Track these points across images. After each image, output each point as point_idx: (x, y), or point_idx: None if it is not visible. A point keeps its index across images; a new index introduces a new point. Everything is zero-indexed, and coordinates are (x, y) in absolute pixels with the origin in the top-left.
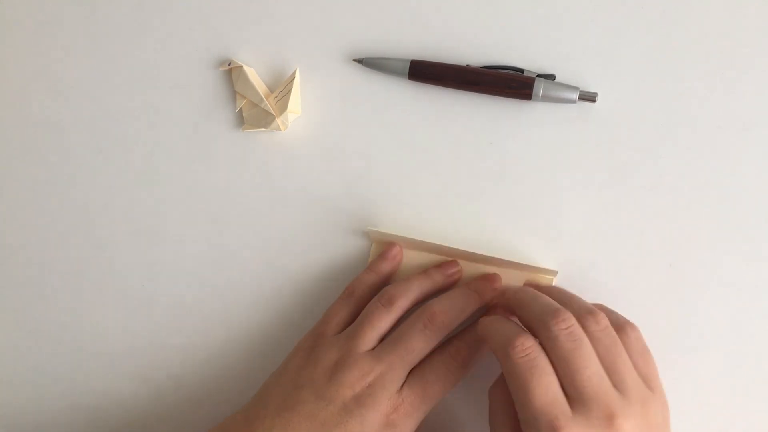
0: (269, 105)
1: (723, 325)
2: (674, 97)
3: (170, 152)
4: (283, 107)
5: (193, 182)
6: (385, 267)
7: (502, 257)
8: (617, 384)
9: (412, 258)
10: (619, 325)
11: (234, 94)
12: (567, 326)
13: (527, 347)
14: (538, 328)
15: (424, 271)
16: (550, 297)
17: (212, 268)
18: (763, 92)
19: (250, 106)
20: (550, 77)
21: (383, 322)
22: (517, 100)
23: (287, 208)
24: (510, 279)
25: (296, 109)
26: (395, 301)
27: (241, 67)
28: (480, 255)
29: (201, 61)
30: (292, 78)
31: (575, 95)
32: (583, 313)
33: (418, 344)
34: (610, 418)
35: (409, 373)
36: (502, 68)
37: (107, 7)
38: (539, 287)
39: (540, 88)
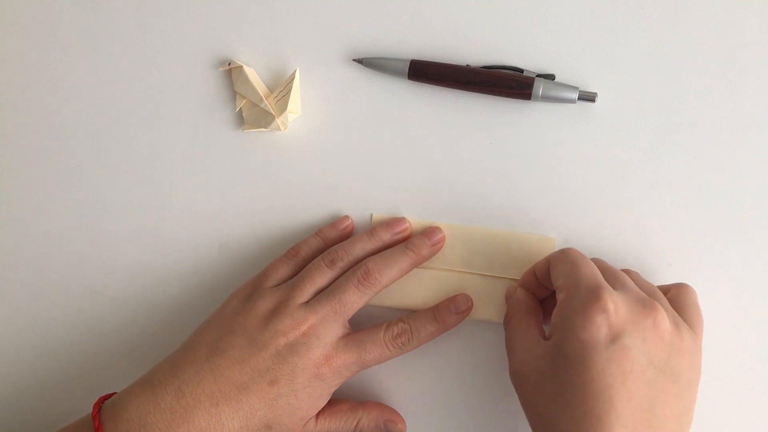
0: (269, 105)
1: (723, 324)
2: (674, 97)
3: (170, 152)
4: (282, 107)
5: (193, 182)
6: (332, 234)
7: (500, 228)
8: (619, 288)
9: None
10: (678, 282)
11: (234, 94)
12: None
13: (575, 250)
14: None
15: (371, 229)
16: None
17: (212, 268)
18: (763, 92)
19: (250, 106)
20: (550, 77)
21: (323, 278)
22: (517, 100)
23: (287, 208)
24: (511, 246)
25: (296, 109)
26: (337, 261)
27: (241, 67)
28: (479, 227)
29: (201, 61)
30: (292, 78)
31: (575, 95)
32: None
33: (351, 298)
34: (650, 304)
35: (350, 333)
36: (502, 68)
37: (107, 8)
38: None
39: (540, 88)
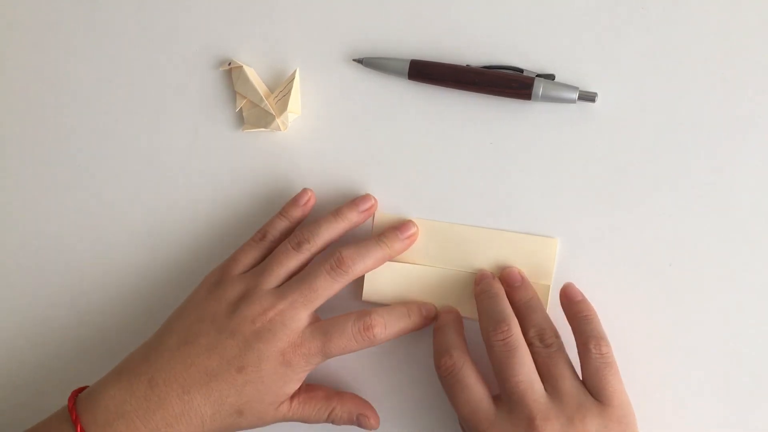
0: (269, 105)
1: (722, 324)
2: (674, 97)
3: (170, 152)
4: (283, 107)
5: (194, 182)
6: (296, 213)
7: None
8: (551, 391)
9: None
10: (585, 338)
11: (234, 94)
12: (504, 338)
13: (449, 365)
14: (483, 333)
15: (336, 210)
16: (521, 298)
17: (212, 268)
18: (763, 92)
19: (250, 106)
20: (550, 77)
21: (291, 261)
22: (517, 100)
23: None
24: (513, 247)
25: (296, 109)
26: (304, 243)
27: (241, 67)
28: (482, 228)
29: (201, 61)
30: (292, 78)
31: (575, 95)
32: (533, 327)
33: (322, 285)
34: (530, 419)
35: (318, 321)
36: (502, 68)
37: (108, 8)
38: (510, 281)
39: (540, 88)
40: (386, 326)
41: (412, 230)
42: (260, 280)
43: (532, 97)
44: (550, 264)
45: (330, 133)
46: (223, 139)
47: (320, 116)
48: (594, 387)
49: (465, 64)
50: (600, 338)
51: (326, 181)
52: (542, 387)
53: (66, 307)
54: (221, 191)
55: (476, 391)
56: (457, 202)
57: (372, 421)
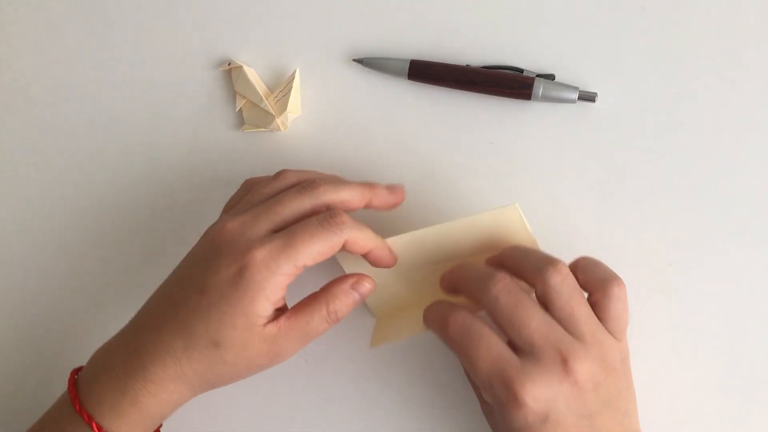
0: (269, 105)
1: (722, 324)
2: (674, 97)
3: (170, 152)
4: (282, 107)
5: (194, 182)
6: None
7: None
8: (572, 330)
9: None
10: (604, 279)
11: (234, 94)
12: (504, 285)
13: (459, 319)
14: (479, 296)
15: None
16: (509, 258)
17: None
18: (763, 92)
19: (250, 106)
20: (550, 77)
21: (267, 189)
22: (517, 100)
23: None
24: (482, 229)
25: (296, 109)
26: (282, 174)
27: (241, 67)
28: (447, 222)
29: (201, 61)
30: (292, 78)
31: (575, 95)
32: (543, 264)
33: (289, 199)
34: (563, 361)
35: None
36: (502, 68)
37: (107, 8)
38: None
39: (540, 88)
40: (351, 220)
41: (400, 192)
42: (231, 206)
43: (532, 97)
44: (522, 229)
45: (330, 133)
46: (223, 139)
47: (320, 116)
48: (612, 326)
49: (465, 64)
50: (613, 279)
51: None
52: (560, 327)
53: (67, 306)
54: (221, 191)
55: (495, 340)
56: (457, 202)
57: (367, 283)
